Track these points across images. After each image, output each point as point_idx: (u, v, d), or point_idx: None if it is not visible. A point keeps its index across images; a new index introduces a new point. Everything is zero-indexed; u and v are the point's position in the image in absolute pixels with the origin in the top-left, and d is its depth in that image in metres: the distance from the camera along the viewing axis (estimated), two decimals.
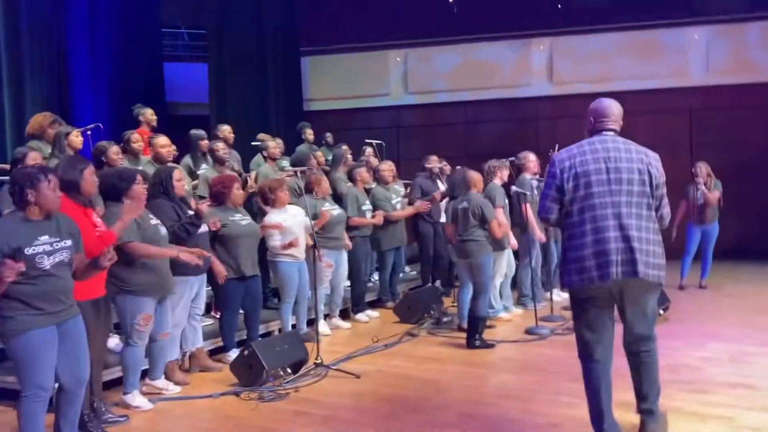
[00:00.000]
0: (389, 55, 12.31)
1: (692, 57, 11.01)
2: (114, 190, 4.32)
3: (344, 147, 7.84)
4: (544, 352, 5.65)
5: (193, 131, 6.61)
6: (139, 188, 4.35)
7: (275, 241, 5.73)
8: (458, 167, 7.67)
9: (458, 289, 6.51)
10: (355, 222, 6.80)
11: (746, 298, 7.52)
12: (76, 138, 5.62)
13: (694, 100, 10.92)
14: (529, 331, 6.23)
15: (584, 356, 3.47)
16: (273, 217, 5.82)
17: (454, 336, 6.20)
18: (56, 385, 3.48)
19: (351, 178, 7.25)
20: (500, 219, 6.22)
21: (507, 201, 6.71)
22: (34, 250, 3.24)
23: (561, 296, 7.54)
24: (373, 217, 6.97)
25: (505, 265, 6.71)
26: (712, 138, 10.69)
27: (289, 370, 4.95)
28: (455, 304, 7.14)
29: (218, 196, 5.34)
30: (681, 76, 11.01)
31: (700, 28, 11.01)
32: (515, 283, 7.19)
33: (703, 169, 8.10)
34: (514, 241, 6.69)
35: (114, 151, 5.31)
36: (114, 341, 4.98)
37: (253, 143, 7.71)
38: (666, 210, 3.47)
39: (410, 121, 12.33)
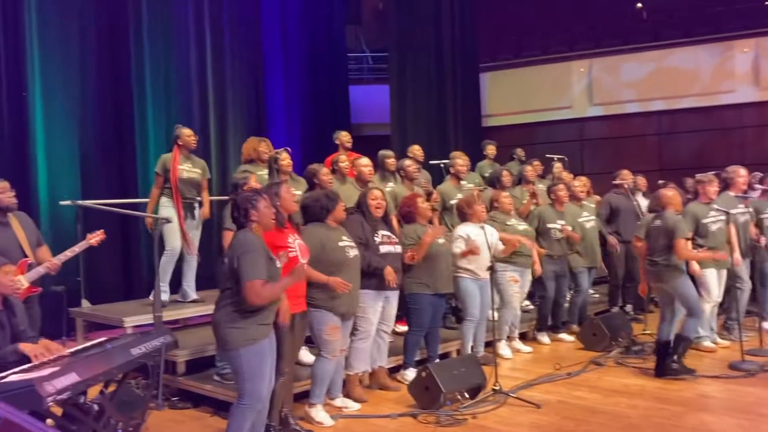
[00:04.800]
0: (572, 66, 11.87)
1: None
2: (320, 211, 4.56)
3: (536, 162, 7.67)
4: (751, 391, 5.04)
5: (381, 151, 6.83)
6: (341, 208, 4.64)
7: (457, 248, 5.67)
8: (660, 182, 7.16)
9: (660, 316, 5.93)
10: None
11: None
12: (285, 161, 5.89)
13: None
14: (733, 366, 5.60)
15: None
16: (464, 228, 5.79)
17: (645, 367, 5.74)
18: None
19: (549, 195, 7.03)
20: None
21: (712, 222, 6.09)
22: (277, 263, 3.65)
23: None
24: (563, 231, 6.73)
25: (716, 288, 6.10)
26: None
27: (466, 395, 4.86)
28: (646, 331, 6.64)
29: (408, 216, 5.47)
30: None
31: None
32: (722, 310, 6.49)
33: None
34: (737, 257, 6.09)
35: (324, 173, 5.52)
36: (307, 355, 5.25)
37: (432, 162, 7.76)
38: None
39: (595, 133, 11.79)
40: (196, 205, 6.06)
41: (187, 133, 5.96)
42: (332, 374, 4.71)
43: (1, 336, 3.66)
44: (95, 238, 4.86)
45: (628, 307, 7.61)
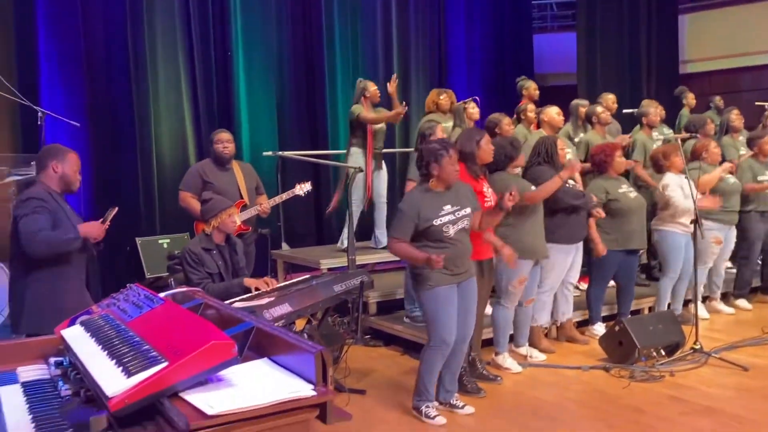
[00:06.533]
0: None
1: None
2: (504, 158, 4.44)
3: (736, 111, 6.99)
4: None
5: (575, 100, 6.61)
6: (523, 156, 4.56)
7: (688, 198, 5.22)
8: None
9: None
10: (750, 189, 6.01)
11: None
12: (473, 110, 6.02)
13: None
14: None
15: None
16: (670, 177, 5.43)
17: None
18: None
19: (749, 146, 6.42)
20: None
21: None
22: (440, 221, 3.59)
23: None
24: None
25: None
26: None
27: (662, 352, 4.65)
28: None
29: (600, 165, 5.23)
30: None
31: None
32: None
33: None
34: None
35: (506, 122, 5.44)
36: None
37: (625, 111, 7.34)
38: None
39: None
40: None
41: (373, 87, 6.02)
42: (512, 322, 4.70)
43: (223, 269, 4.07)
44: (303, 189, 5.18)
45: None
